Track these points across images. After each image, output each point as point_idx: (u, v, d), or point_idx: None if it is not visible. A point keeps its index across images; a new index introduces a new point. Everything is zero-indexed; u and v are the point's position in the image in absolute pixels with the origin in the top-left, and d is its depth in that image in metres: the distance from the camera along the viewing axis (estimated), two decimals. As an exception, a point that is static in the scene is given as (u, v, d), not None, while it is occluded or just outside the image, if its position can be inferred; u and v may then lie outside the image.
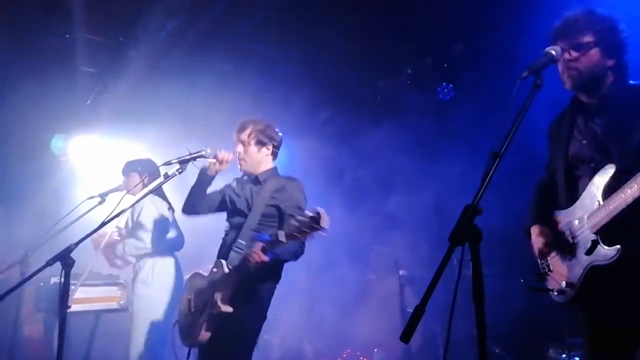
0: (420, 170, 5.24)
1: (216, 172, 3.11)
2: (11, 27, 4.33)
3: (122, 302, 4.34)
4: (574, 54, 2.03)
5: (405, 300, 5.01)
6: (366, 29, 4.52)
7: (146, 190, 3.17)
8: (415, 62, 5.33)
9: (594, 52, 2.02)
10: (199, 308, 2.88)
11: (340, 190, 5.76)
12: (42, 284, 4.29)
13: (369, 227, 5.69)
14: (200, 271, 3.11)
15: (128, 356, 3.80)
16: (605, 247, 1.87)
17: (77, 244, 2.50)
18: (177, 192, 4.19)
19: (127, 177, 4.13)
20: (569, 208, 2.08)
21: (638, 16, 2.42)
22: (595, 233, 1.91)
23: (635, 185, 1.75)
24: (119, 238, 4.10)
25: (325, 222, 2.27)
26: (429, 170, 5.06)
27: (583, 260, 1.95)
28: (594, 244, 1.90)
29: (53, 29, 4.48)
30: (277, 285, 2.97)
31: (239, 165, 3.09)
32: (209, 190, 3.20)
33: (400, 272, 5.15)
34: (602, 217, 1.88)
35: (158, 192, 4.06)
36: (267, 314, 2.92)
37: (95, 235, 2.89)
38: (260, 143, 3.04)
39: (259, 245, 2.57)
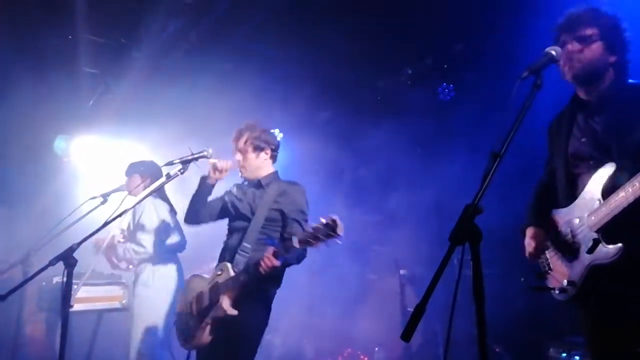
0: (421, 170, 5.25)
1: (216, 181, 3.12)
2: (13, 28, 4.34)
3: (124, 301, 4.35)
4: (577, 45, 2.05)
5: (406, 299, 5.02)
6: (366, 29, 4.53)
7: (148, 190, 3.17)
8: (415, 62, 5.33)
9: (597, 46, 2.04)
10: (201, 311, 2.88)
11: (340, 190, 5.78)
12: (44, 283, 4.30)
13: (369, 226, 5.70)
14: (200, 273, 3.12)
15: (128, 358, 3.80)
16: (607, 246, 1.87)
17: (79, 244, 2.52)
18: (179, 194, 4.21)
19: (129, 178, 4.14)
20: (569, 206, 2.09)
21: (638, 16, 2.43)
22: (596, 232, 1.92)
23: (637, 184, 1.76)
24: (123, 240, 4.10)
25: (340, 229, 2.28)
26: (429, 170, 5.07)
27: (584, 258, 1.96)
28: (596, 242, 1.91)
29: (55, 30, 4.49)
30: (278, 285, 2.99)
31: (240, 173, 3.11)
32: (209, 198, 3.21)
33: (401, 272, 5.15)
34: (604, 216, 1.88)
35: (160, 193, 4.07)
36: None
37: (94, 238, 2.91)
38: (258, 148, 3.05)
39: (270, 250, 2.58)
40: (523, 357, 4.34)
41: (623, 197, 1.81)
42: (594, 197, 1.96)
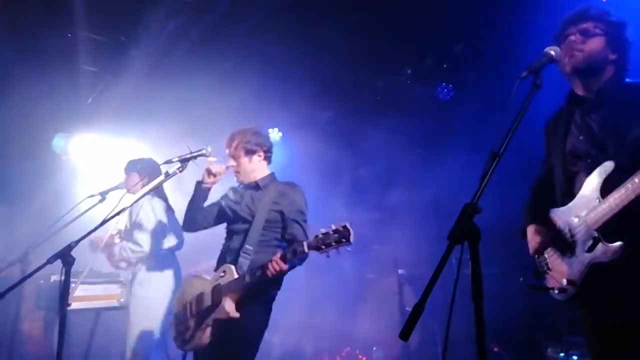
0: (420, 169, 5.25)
1: (211, 185, 3.12)
2: (13, 27, 4.34)
3: (122, 300, 4.34)
4: (580, 37, 2.07)
5: (404, 298, 5.02)
6: (366, 29, 4.53)
7: (146, 188, 3.17)
8: (415, 62, 5.33)
9: (600, 40, 2.06)
10: (201, 312, 2.87)
11: (339, 189, 5.78)
12: (42, 281, 4.30)
13: (368, 226, 5.70)
14: (200, 273, 3.11)
15: (124, 357, 3.79)
16: (607, 244, 1.87)
17: (77, 242, 2.51)
18: (177, 192, 4.20)
19: (128, 176, 4.12)
20: (567, 205, 2.08)
21: (638, 16, 2.43)
22: (595, 230, 1.91)
23: (637, 181, 1.76)
24: (119, 240, 4.09)
25: (352, 236, 2.27)
26: (429, 169, 5.07)
27: (584, 257, 1.96)
28: (596, 241, 1.91)
29: (55, 28, 4.48)
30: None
31: (236, 178, 3.12)
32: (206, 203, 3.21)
33: (400, 271, 5.16)
34: (603, 214, 1.88)
35: (158, 192, 4.06)
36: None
37: (92, 236, 2.90)
38: (250, 152, 3.05)
39: (278, 254, 2.58)
40: (521, 357, 4.34)
41: (623, 195, 1.81)
42: (592, 196, 1.95)
